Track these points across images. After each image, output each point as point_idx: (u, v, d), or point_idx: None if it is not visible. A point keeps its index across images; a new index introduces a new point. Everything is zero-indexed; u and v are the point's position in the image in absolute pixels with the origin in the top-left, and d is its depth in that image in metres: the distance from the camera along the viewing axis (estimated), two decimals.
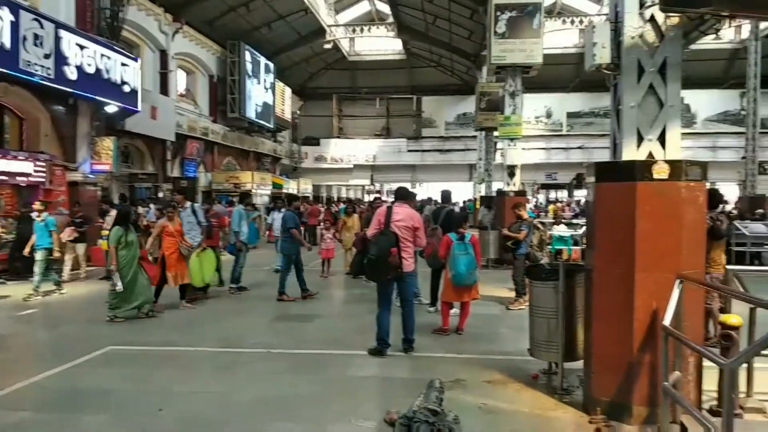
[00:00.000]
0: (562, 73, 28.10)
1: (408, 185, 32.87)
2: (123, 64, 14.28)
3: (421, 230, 6.07)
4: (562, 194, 34.53)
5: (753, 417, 3.88)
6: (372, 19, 32.17)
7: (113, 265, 7.41)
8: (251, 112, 24.68)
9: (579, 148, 31.01)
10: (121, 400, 4.61)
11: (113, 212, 11.14)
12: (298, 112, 34.16)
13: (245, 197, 11.31)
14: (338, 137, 34.87)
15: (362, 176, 34.95)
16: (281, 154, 31.62)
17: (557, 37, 25.93)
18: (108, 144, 14.17)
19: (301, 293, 9.02)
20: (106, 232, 10.75)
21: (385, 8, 27.31)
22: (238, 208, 10.28)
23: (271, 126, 27.68)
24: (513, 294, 8.54)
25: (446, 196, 8.88)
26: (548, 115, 31.66)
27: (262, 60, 25.89)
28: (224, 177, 23.62)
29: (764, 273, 6.29)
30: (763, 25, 22.17)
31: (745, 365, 3.94)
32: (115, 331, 7.01)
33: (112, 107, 14.08)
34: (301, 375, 5.28)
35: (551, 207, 26.07)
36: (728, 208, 22.07)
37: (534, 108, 30.51)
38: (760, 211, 18.34)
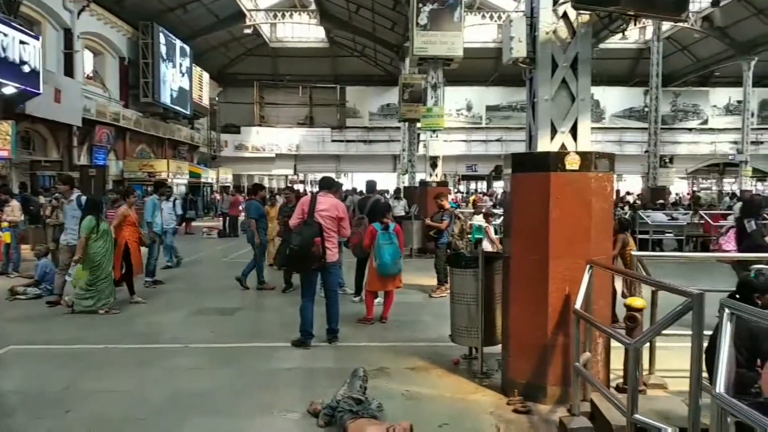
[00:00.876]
0: (481, 67, 28.88)
1: (332, 175, 32.76)
2: (22, 42, 13.20)
3: (346, 220, 6.05)
4: (483, 185, 35.65)
5: (655, 392, 4.18)
6: (294, 5, 31.58)
7: (78, 256, 7.09)
8: (166, 98, 23.59)
9: (498, 140, 32.11)
10: (23, 403, 4.28)
11: (13, 202, 10.35)
12: (217, 98, 33.02)
13: (160, 186, 10.86)
14: (260, 125, 34.05)
15: (285, 166, 34.40)
16: (199, 142, 30.48)
17: (477, 32, 26.64)
18: (5, 128, 13.08)
19: (258, 284, 8.89)
20: (6, 224, 9.98)
21: None
22: (152, 197, 9.84)
23: (188, 112, 26.59)
24: (435, 282, 8.72)
25: (371, 186, 8.90)
26: (469, 108, 32.49)
27: (178, 43, 24.76)
28: (137, 165, 22.48)
29: (664, 258, 6.79)
30: (664, 27, 23.83)
31: (648, 345, 4.24)
32: (17, 329, 6.49)
33: (9, 89, 12.98)
34: (221, 369, 5.13)
35: (472, 198, 26.84)
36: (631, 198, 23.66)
37: (455, 101, 31.21)
38: (661, 201, 19.79)
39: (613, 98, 31.98)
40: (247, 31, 27.59)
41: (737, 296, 3.34)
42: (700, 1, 24.18)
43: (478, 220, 13.90)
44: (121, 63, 22.32)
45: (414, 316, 7.21)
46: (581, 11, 4.27)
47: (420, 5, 11.89)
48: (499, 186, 30.34)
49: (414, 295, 8.44)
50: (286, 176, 36.88)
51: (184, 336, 6.21)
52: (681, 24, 24.11)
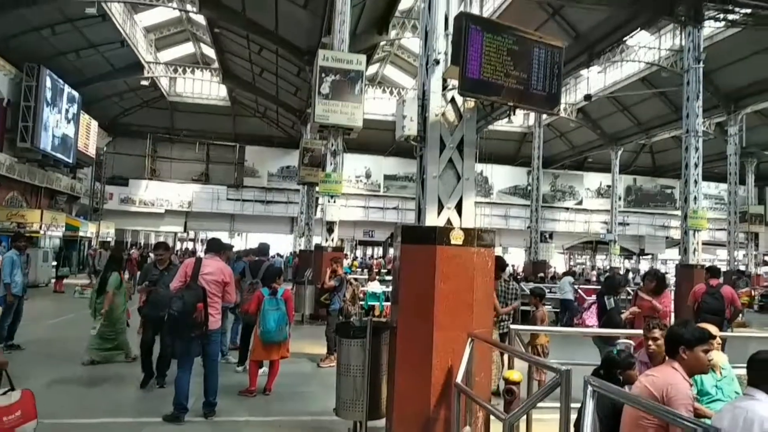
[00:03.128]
0: (381, 138, 29.96)
1: (225, 235, 31.78)
2: None
3: (232, 285, 5.83)
4: (379, 251, 36.15)
5: None
6: (197, 62, 31.32)
7: (104, 310, 7.60)
8: (47, 144, 21.96)
9: (395, 208, 33.01)
10: None
11: None
12: (106, 148, 31.29)
13: (17, 239, 9.24)
14: (150, 179, 32.51)
15: (175, 223, 32.85)
16: (80, 193, 28.43)
17: (378, 105, 27.79)
18: None
19: None
20: None
21: (212, 53, 26.78)
22: (9, 253, 8.74)
23: (71, 161, 24.85)
24: (325, 350, 8.52)
25: (263, 249, 8.70)
26: (368, 176, 33.30)
27: (66, 88, 23.42)
28: (6, 214, 20.43)
29: (538, 331, 7.15)
30: (544, 115, 26.27)
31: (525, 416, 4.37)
32: None
33: None
34: None
35: (373, 262, 27.07)
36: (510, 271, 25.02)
37: (355, 168, 31.91)
38: (541, 274, 21.10)
39: (501, 176, 34.24)
40: (145, 83, 26.79)
41: (601, 371, 3.56)
42: (576, 94, 27.11)
43: (374, 286, 14.03)
44: None
45: (300, 387, 6.95)
46: (467, 98, 4.60)
47: (323, 75, 12.24)
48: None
49: (302, 364, 8.18)
50: (175, 234, 35.20)
51: (39, 410, 5.50)
52: (557, 115, 26.76)
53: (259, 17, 18.66)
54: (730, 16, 14.80)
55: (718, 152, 24.44)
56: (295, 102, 25.75)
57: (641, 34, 19.86)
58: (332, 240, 13.00)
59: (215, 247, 5.98)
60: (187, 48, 31.10)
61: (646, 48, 20.83)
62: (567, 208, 35.25)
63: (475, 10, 4.88)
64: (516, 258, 34.61)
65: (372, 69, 28.77)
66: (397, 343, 4.45)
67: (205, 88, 31.52)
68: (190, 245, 36.07)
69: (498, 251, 34.99)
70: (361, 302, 11.92)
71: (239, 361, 7.61)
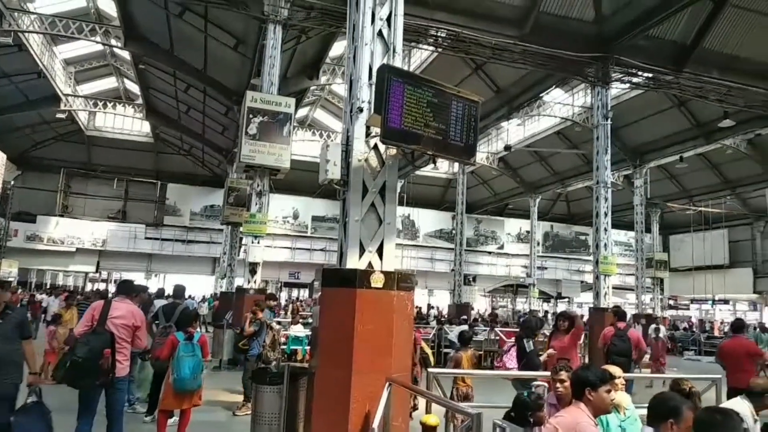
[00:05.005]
0: (309, 179, 29.85)
1: (141, 275, 30.26)
2: None
3: (143, 330, 5.56)
4: (305, 293, 35.56)
5: None
6: (119, 96, 30.34)
7: None
8: None
9: (322, 250, 32.78)
10: None
11: None
12: (13, 182, 29.31)
13: None
14: (62, 216, 30.64)
15: (87, 262, 30.96)
16: None
17: (307, 146, 27.88)
18: None
19: None
20: None
21: (136, 88, 26.07)
22: None
23: None
24: (242, 398, 8.19)
25: (179, 291, 8.35)
26: (295, 216, 33.04)
27: None
28: None
29: (458, 374, 7.24)
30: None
31: None
32: None
33: None
34: None
35: (292, 306, 26.52)
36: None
37: (282, 208, 31.61)
38: (464, 317, 21.45)
39: (427, 219, 34.99)
40: (61, 115, 25.58)
41: (512, 414, 3.66)
42: (497, 145, 28.44)
43: (296, 329, 13.73)
44: None
45: None
46: (389, 146, 4.75)
47: (250, 116, 12.19)
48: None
49: (217, 413, 7.81)
50: (86, 274, 33.16)
51: None
52: (479, 163, 27.98)
53: (188, 56, 18.47)
54: (635, 79, 16.17)
55: (626, 202, 26.21)
56: (221, 141, 25.39)
57: (556, 91, 21.32)
58: (255, 282, 12.69)
59: (126, 289, 5.70)
60: (110, 82, 30.13)
61: (561, 104, 22.33)
62: (489, 252, 36.36)
63: (400, 62, 5.10)
64: (441, 300, 35.10)
65: (302, 112, 29.00)
66: (315, 389, 4.38)
67: (126, 123, 30.50)
68: (102, 286, 33.99)
69: (424, 293, 35.45)
70: (283, 347, 11.63)
71: (147, 411, 7.17)
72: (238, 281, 18.81)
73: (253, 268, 12.84)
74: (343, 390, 4.20)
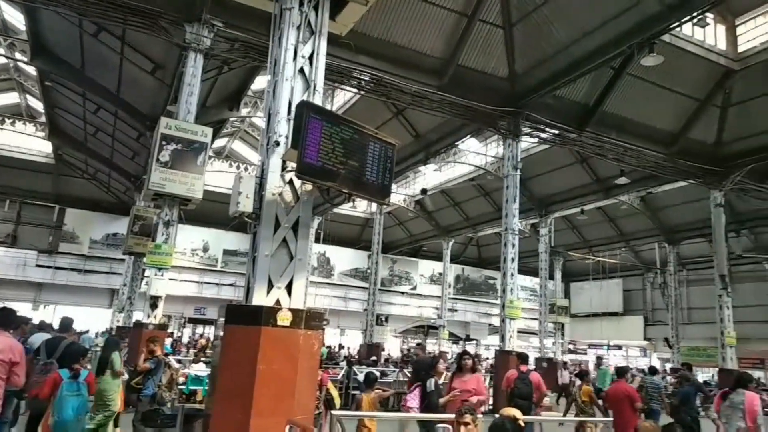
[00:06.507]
0: (223, 211, 28.83)
1: (29, 306, 27.72)
2: None
3: (21, 366, 5.01)
4: (210, 330, 33.97)
5: None
6: (20, 113, 28.33)
7: None
8: None
9: (231, 285, 31.64)
10: None
11: None
12: None
13: None
14: None
15: None
16: None
17: (224, 178, 27.19)
18: None
19: None
20: None
21: (40, 106, 24.45)
22: None
23: None
24: None
25: (66, 324, 7.70)
26: (205, 249, 31.80)
27: None
28: None
29: (364, 417, 7.12)
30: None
31: None
32: None
33: None
34: None
35: (201, 341, 25.18)
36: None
37: (192, 240, 30.38)
38: (374, 357, 21.34)
39: (343, 257, 34.86)
40: None
41: None
42: (415, 188, 29.14)
43: (197, 369, 13.02)
44: None
45: None
46: (305, 181, 4.72)
47: (163, 143, 11.71)
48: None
49: None
50: None
51: None
52: (396, 204, 28.53)
53: (100, 76, 17.65)
54: (543, 134, 17.25)
55: (532, 249, 27.52)
56: (131, 167, 24.20)
57: (471, 141, 22.31)
58: (155, 316, 11.97)
59: (5, 320, 5.16)
60: (11, 97, 28.11)
61: (476, 153, 23.36)
62: (403, 293, 36.68)
63: (321, 100, 5.13)
64: (353, 340, 34.74)
65: (221, 142, 28.40)
66: None
67: (26, 141, 28.40)
68: None
69: (335, 333, 34.97)
70: (182, 387, 10.98)
71: None
72: (137, 315, 17.69)
73: (154, 301, 12.12)
74: None
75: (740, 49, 16.00)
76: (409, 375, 15.32)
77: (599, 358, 18.91)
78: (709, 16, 14.69)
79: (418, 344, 28.19)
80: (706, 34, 15.44)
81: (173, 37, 12.81)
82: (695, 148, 17.98)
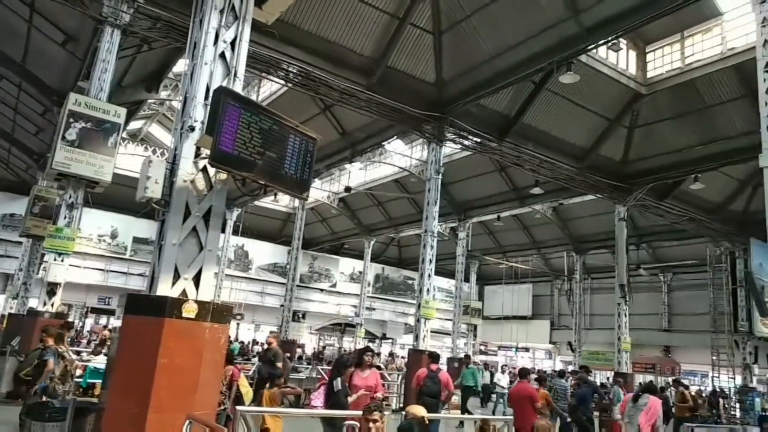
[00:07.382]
0: (134, 197, 27.52)
1: None
2: None
3: None
4: (114, 321, 32.21)
5: None
6: None
7: None
8: None
9: (140, 275, 30.14)
10: None
11: None
12: None
13: None
14: None
15: None
16: None
17: (137, 161, 25.84)
18: None
19: None
20: None
21: None
22: None
23: None
24: None
25: None
26: (113, 236, 30.10)
27: None
28: None
29: (266, 413, 7.01)
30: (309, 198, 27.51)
31: None
32: None
33: None
34: None
35: (105, 333, 23.79)
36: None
37: (99, 225, 28.69)
38: (288, 354, 21.07)
39: (262, 252, 34.14)
40: None
41: None
42: (339, 185, 29.08)
43: (97, 361, 12.31)
44: None
45: None
46: (219, 170, 4.57)
47: (71, 120, 10.96)
48: None
49: None
50: None
51: None
52: (319, 200, 28.37)
53: (4, 43, 16.26)
54: (465, 141, 17.71)
55: (450, 252, 28.21)
56: (34, 143, 22.48)
57: (397, 142, 22.55)
58: (52, 305, 11.21)
59: None
60: None
61: (401, 155, 23.63)
62: (322, 290, 36.47)
63: (240, 87, 4.99)
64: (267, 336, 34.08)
65: (136, 125, 27.02)
66: (102, 427, 3.92)
67: None
68: None
69: (250, 328, 34.20)
70: (79, 380, 10.36)
71: None
72: (33, 303, 16.48)
73: (52, 288, 11.35)
74: (136, 429, 3.81)
75: (649, 74, 17.17)
76: (321, 373, 15.30)
77: (467, 356, 19.74)
78: (623, 42, 15.65)
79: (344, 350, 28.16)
80: (620, 58, 16.45)
81: (88, 9, 12.02)
82: (604, 165, 19.12)
